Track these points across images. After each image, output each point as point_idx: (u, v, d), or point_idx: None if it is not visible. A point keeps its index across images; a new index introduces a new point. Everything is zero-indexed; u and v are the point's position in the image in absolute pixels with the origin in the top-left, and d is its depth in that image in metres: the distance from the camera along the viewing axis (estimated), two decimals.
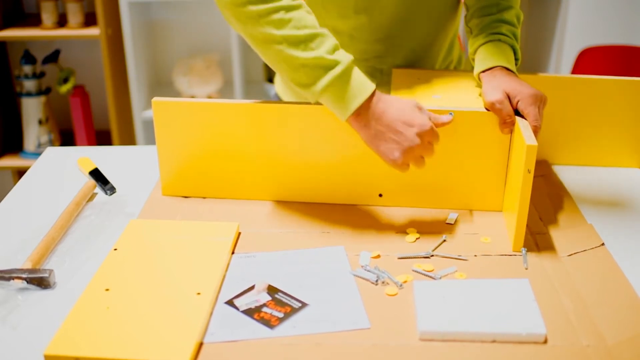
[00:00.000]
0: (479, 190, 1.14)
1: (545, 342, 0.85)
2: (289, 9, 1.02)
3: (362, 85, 1.02)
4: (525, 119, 1.07)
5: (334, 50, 1.02)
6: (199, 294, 0.91)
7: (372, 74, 1.29)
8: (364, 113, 1.02)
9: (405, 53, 1.31)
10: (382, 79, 1.31)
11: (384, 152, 1.03)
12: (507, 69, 1.13)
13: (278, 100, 1.47)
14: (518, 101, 1.07)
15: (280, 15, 1.01)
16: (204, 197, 1.20)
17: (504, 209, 1.14)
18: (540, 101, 1.08)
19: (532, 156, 0.97)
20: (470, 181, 1.14)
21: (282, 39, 1.01)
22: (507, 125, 1.08)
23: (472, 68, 1.20)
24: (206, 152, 1.16)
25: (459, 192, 1.15)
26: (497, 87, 1.09)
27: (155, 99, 1.13)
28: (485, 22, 1.19)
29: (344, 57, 1.02)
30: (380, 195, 1.16)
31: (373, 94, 1.02)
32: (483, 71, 1.14)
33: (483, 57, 1.15)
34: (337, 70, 1.00)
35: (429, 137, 1.02)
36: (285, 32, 1.01)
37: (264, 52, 1.05)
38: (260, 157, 1.15)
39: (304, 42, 1.01)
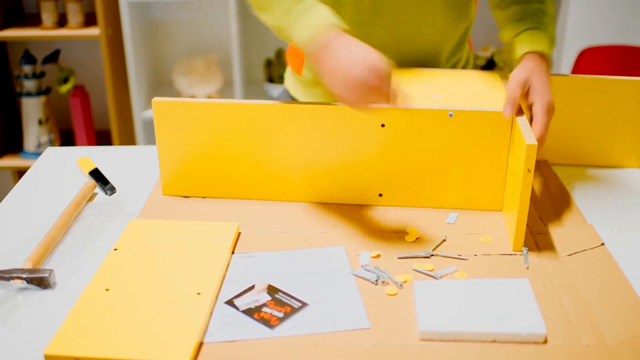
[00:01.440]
0: (479, 189, 1.14)
1: (546, 342, 0.85)
2: None
3: (325, 20, 1.02)
4: (534, 122, 1.07)
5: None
6: (199, 294, 0.91)
7: None
8: (324, 49, 1.01)
9: (413, 52, 1.32)
10: None
11: (333, 89, 1.00)
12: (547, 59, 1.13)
13: (286, 96, 1.47)
14: (534, 102, 1.07)
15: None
16: (204, 197, 1.20)
17: (504, 209, 1.14)
18: (552, 112, 1.09)
19: (532, 156, 0.97)
20: (470, 181, 1.14)
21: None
22: (509, 105, 1.07)
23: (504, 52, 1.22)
24: (206, 152, 1.16)
25: (458, 192, 1.15)
26: (529, 72, 1.09)
27: (155, 99, 1.13)
28: (530, 10, 1.20)
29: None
30: (380, 195, 1.16)
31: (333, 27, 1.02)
32: (530, 52, 1.14)
33: (532, 39, 1.15)
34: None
35: (379, 77, 0.97)
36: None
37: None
38: (261, 157, 1.15)
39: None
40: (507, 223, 1.09)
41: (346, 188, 1.16)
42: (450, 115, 1.08)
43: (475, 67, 2.63)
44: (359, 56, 0.99)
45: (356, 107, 1.01)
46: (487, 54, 2.63)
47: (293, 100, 1.45)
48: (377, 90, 0.98)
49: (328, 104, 1.11)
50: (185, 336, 0.83)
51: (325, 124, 1.11)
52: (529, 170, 0.98)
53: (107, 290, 0.92)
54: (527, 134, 1.00)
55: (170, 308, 0.88)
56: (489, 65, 2.62)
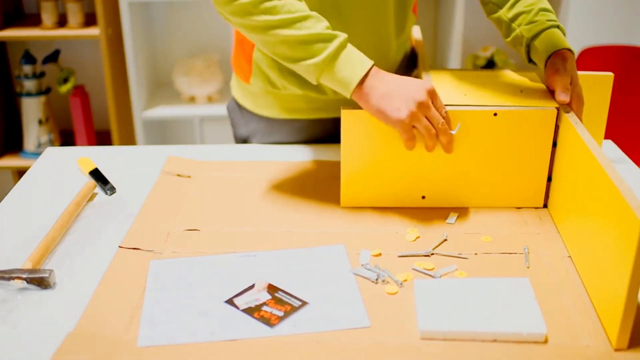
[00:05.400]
0: (522, 187, 1.15)
1: (546, 341, 0.85)
2: None
3: (362, 56, 1.08)
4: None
5: (327, 28, 1.08)
6: None
7: None
8: (368, 80, 1.06)
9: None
10: None
11: (390, 111, 1.05)
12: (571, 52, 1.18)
13: (235, 106, 1.46)
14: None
15: (272, 3, 1.07)
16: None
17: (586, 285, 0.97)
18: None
19: None
20: (513, 179, 1.14)
21: (277, 23, 1.06)
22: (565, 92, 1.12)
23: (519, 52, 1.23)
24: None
25: (502, 190, 1.15)
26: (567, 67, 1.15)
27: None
28: (535, 10, 1.21)
29: (339, 33, 1.07)
30: (423, 197, 1.16)
31: (372, 66, 1.08)
32: (555, 52, 1.17)
33: (552, 41, 1.18)
34: (336, 42, 1.06)
35: (432, 95, 1.06)
36: (279, 17, 1.06)
37: (262, 40, 1.10)
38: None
39: (299, 21, 1.06)
40: (595, 299, 0.92)
41: (390, 191, 1.15)
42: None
43: (475, 67, 2.63)
44: (406, 80, 1.07)
45: (409, 130, 1.06)
46: (487, 54, 2.62)
47: (242, 110, 1.45)
48: (429, 107, 1.05)
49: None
50: None
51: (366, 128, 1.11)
52: None
53: None
54: (634, 205, 0.80)
55: None
56: (489, 65, 2.62)
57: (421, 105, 1.04)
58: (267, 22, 1.06)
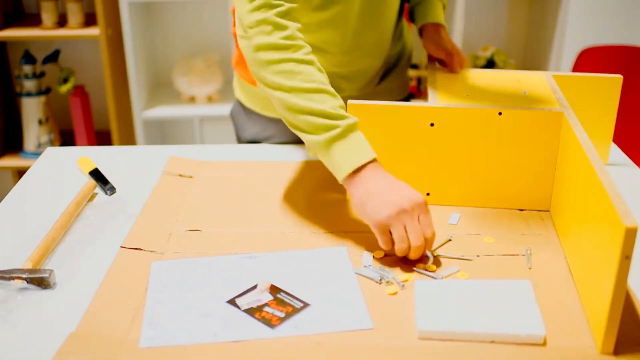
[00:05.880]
0: (527, 189, 1.14)
1: (545, 343, 0.84)
2: (300, 62, 1.03)
3: (363, 146, 1.01)
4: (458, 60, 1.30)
5: (339, 107, 1.03)
6: None
7: (337, 84, 1.30)
8: (363, 172, 1.00)
9: (366, 55, 1.35)
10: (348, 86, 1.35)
11: (369, 209, 0.99)
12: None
13: (240, 109, 1.46)
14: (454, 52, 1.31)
15: (291, 66, 1.03)
16: None
17: (576, 282, 0.97)
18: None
19: (632, 240, 0.77)
20: (518, 180, 1.13)
21: (288, 89, 1.02)
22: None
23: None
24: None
25: (507, 191, 1.14)
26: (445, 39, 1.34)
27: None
28: None
29: (348, 116, 1.02)
30: (428, 194, 1.16)
31: (374, 160, 1.01)
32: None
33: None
34: (342, 123, 1.01)
35: (420, 209, 0.98)
36: (292, 84, 1.02)
37: (271, 96, 1.06)
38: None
39: (309, 93, 1.02)
40: (585, 302, 0.92)
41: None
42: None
43: (475, 67, 2.63)
44: (400, 186, 1.00)
45: (385, 233, 0.99)
46: (487, 54, 2.62)
47: (248, 113, 1.44)
48: (411, 217, 0.97)
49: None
50: None
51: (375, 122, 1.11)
52: (627, 257, 0.78)
53: None
54: (621, 210, 0.79)
55: None
56: (489, 65, 2.62)
57: (401, 212, 0.96)
58: (278, 84, 1.03)
